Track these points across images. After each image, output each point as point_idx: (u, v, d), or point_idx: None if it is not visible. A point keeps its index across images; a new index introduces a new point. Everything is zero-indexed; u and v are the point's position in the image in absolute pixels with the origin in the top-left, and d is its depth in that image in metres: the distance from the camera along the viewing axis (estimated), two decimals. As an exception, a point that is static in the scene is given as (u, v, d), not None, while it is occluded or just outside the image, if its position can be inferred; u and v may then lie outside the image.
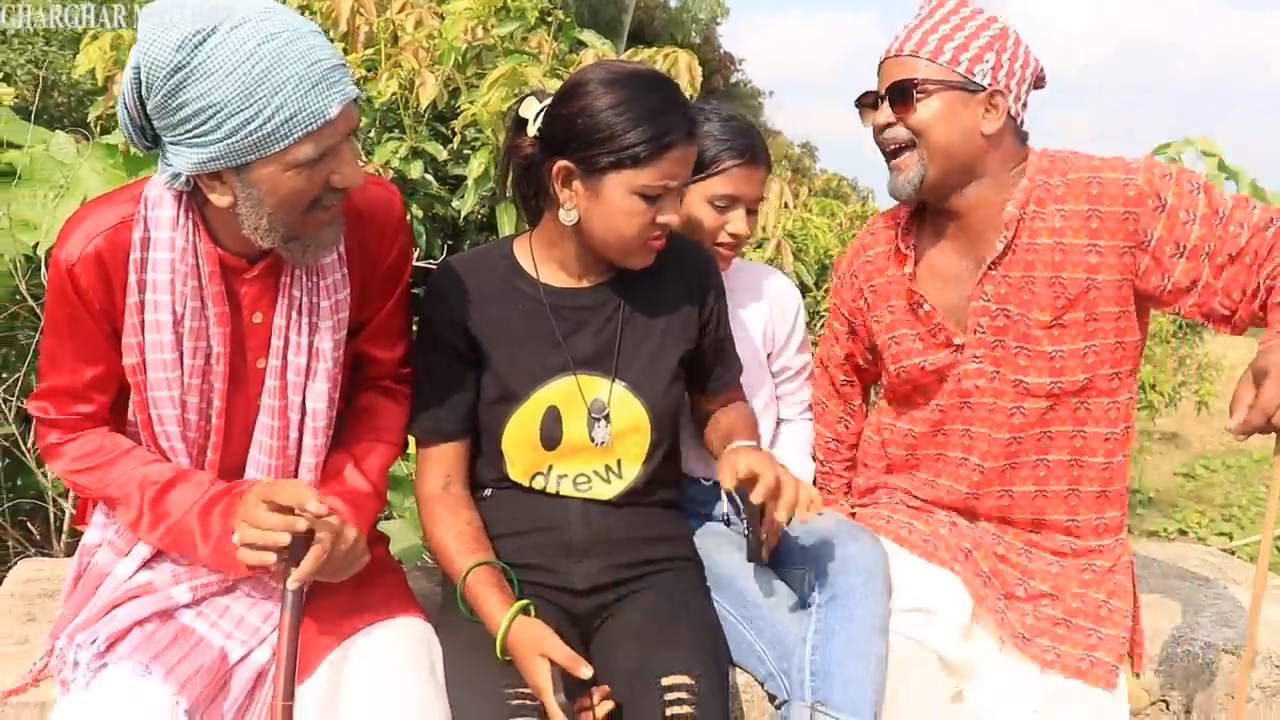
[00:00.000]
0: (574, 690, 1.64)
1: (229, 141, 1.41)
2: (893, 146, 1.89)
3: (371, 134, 3.72)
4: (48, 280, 1.62)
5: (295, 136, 1.43)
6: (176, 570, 1.68)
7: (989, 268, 1.90)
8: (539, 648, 1.63)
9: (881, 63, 1.91)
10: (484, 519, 1.88)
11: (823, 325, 2.43)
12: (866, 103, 1.95)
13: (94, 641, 1.57)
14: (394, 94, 3.52)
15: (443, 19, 3.85)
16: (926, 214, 2.01)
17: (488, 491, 1.91)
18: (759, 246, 4.28)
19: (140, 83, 1.42)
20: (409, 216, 3.67)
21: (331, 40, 3.83)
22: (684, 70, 4.08)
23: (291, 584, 1.48)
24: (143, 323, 1.59)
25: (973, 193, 1.89)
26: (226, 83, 1.38)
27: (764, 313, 2.24)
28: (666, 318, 1.89)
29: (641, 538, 1.89)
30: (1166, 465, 13.80)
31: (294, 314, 1.66)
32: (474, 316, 1.84)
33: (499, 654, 1.67)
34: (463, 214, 3.63)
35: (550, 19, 3.91)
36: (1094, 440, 1.94)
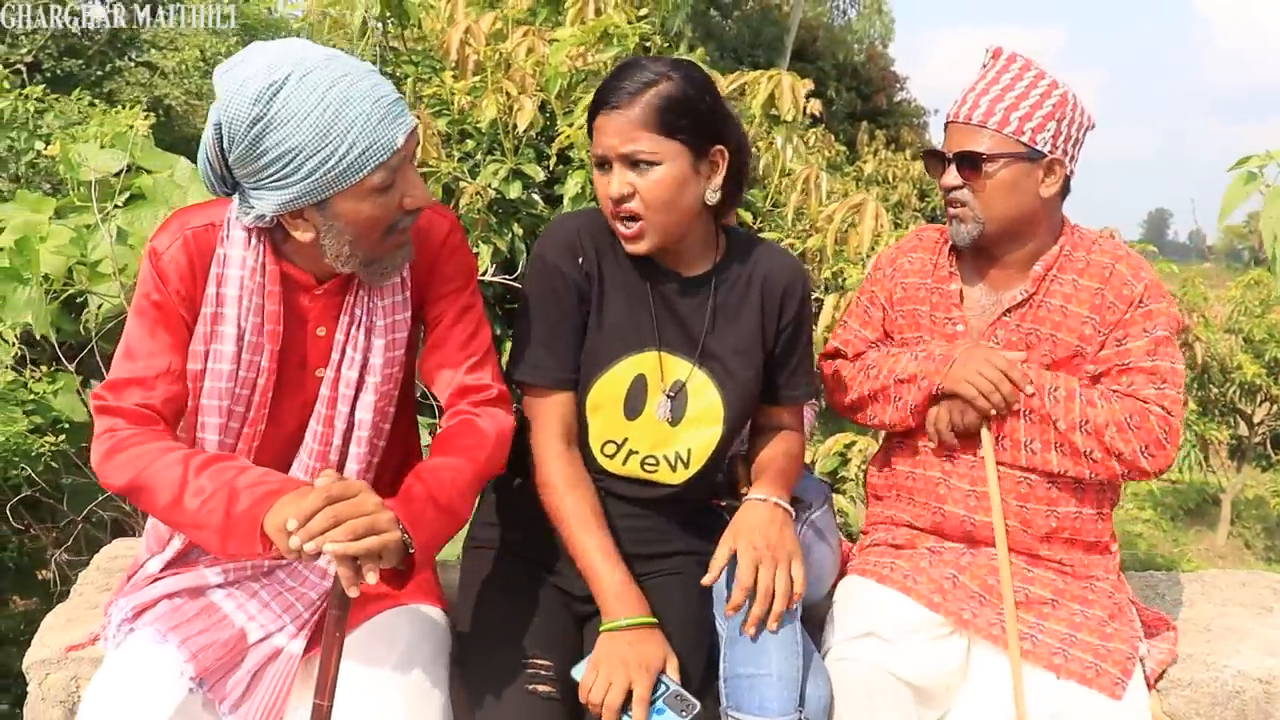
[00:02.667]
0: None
1: (309, 180, 1.54)
2: (958, 205, 2.03)
3: (478, 156, 3.94)
4: (139, 272, 1.75)
5: (369, 167, 1.55)
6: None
7: (1005, 313, 2.06)
8: (657, 664, 1.72)
9: (948, 124, 2.05)
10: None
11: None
12: (933, 159, 2.08)
13: (125, 609, 1.76)
14: (494, 119, 3.72)
15: (554, 43, 4.03)
16: (967, 250, 2.14)
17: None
18: (859, 264, 4.31)
19: (222, 138, 1.54)
20: (510, 235, 3.87)
21: (441, 68, 4.09)
22: (787, 91, 4.17)
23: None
24: (211, 333, 1.71)
25: (1016, 246, 2.06)
26: (303, 127, 1.51)
27: None
28: (755, 317, 1.95)
29: (649, 554, 1.96)
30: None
31: (352, 329, 1.78)
32: (594, 265, 1.90)
33: (605, 627, 1.76)
34: (560, 231, 3.79)
35: (649, 44, 4.04)
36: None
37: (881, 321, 2.22)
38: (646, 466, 1.93)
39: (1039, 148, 1.96)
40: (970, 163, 1.98)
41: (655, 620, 1.78)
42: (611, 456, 1.93)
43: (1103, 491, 2.06)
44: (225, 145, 1.55)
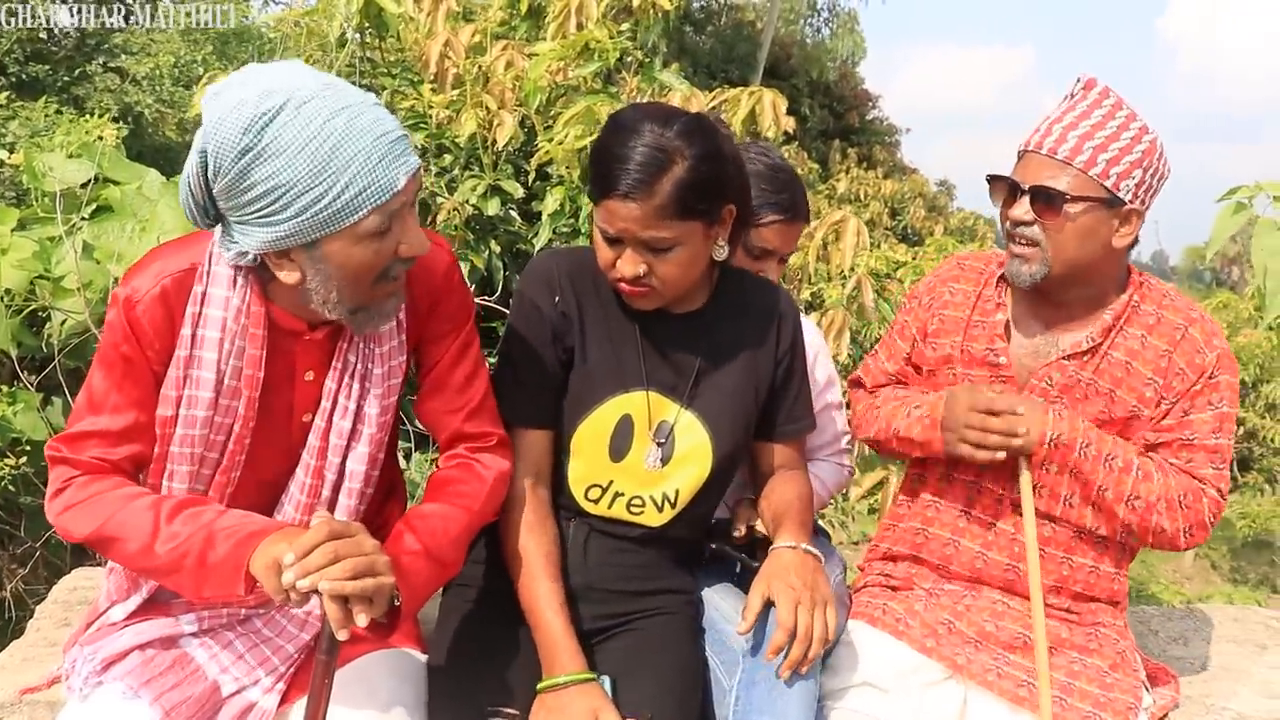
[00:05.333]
0: None
1: (298, 220, 1.41)
2: (1026, 243, 1.87)
3: (455, 172, 3.87)
4: (107, 319, 1.60)
5: (365, 210, 1.42)
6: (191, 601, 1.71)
7: (1065, 357, 1.93)
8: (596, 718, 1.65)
9: (1025, 152, 1.88)
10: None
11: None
12: (1002, 186, 1.91)
13: (93, 659, 1.64)
14: (473, 134, 3.64)
15: (533, 57, 3.96)
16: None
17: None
18: (839, 283, 4.27)
19: (208, 165, 1.40)
20: (488, 252, 3.79)
21: (420, 81, 4.01)
22: (768, 108, 4.12)
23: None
24: (185, 377, 1.58)
25: (1079, 291, 1.92)
26: (296, 161, 1.37)
27: None
28: (747, 356, 1.90)
29: (636, 591, 1.90)
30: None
31: (346, 377, 1.66)
32: (574, 308, 1.84)
33: (544, 685, 1.69)
34: (538, 249, 3.72)
35: (629, 59, 3.98)
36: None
37: (908, 355, 2.11)
38: (632, 508, 1.87)
39: (1121, 195, 1.80)
40: (1048, 199, 1.81)
41: (594, 676, 1.71)
42: (596, 501, 1.87)
43: (1124, 550, 1.98)
44: (210, 175, 1.41)
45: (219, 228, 1.53)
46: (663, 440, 1.85)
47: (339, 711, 1.62)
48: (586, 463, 1.85)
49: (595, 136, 1.75)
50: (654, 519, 1.87)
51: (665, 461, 1.85)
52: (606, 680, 1.72)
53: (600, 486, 1.86)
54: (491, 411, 1.79)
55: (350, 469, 1.70)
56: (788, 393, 1.95)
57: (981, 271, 2.06)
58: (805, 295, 4.39)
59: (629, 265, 1.72)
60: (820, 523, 2.43)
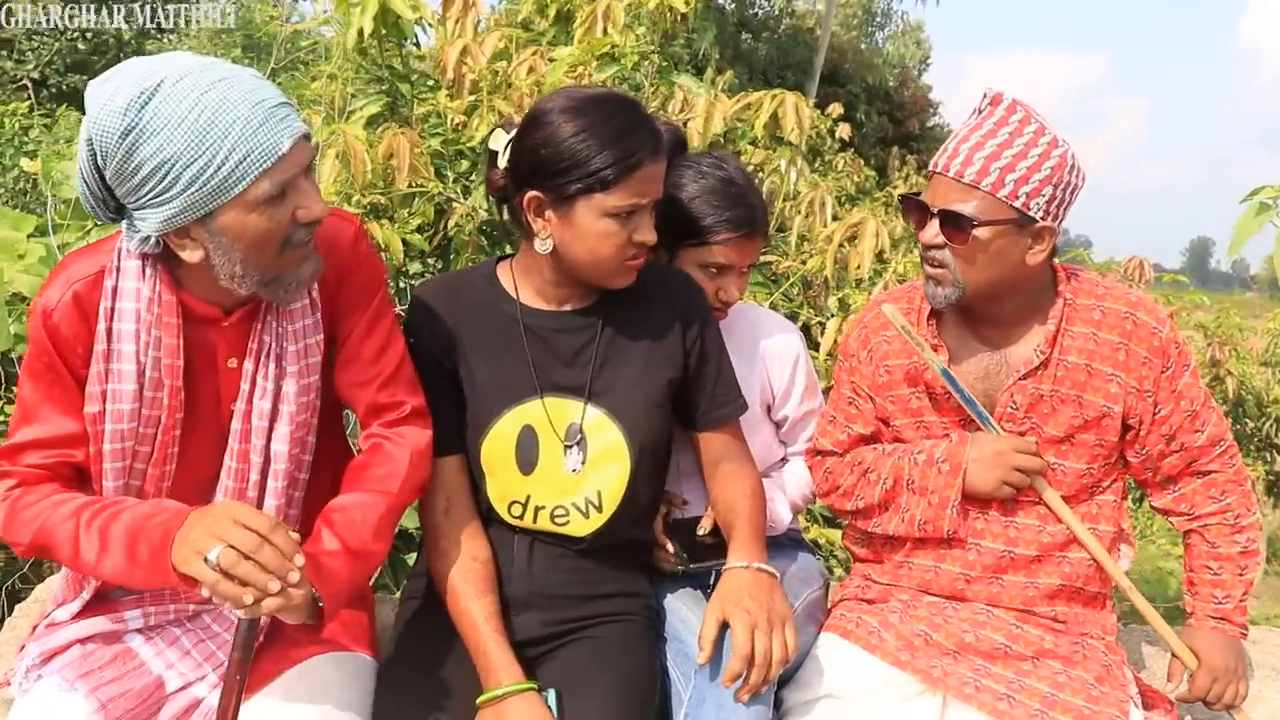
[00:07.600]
0: None
1: (189, 193, 1.43)
2: (936, 265, 1.85)
3: (473, 177, 3.86)
4: (29, 331, 1.64)
5: (252, 176, 1.44)
6: (139, 595, 1.73)
7: (1022, 377, 1.89)
8: None
9: (934, 174, 1.86)
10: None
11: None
12: (913, 208, 1.88)
13: (34, 655, 1.67)
14: (485, 138, 3.62)
15: (553, 62, 3.94)
16: (948, 309, 1.95)
17: None
18: (864, 289, 4.18)
19: (95, 153, 1.44)
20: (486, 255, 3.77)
21: (438, 87, 4.01)
22: (790, 110, 4.05)
23: (243, 615, 1.45)
24: (107, 371, 1.60)
25: (1007, 304, 1.90)
26: (177, 135, 1.40)
27: (759, 364, 2.15)
28: (649, 344, 1.86)
29: (585, 595, 1.86)
30: None
31: (262, 358, 1.67)
32: (454, 332, 1.85)
33: (484, 698, 1.68)
34: (552, 255, 3.69)
35: (648, 62, 3.94)
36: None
37: (874, 412, 2.05)
38: (556, 519, 1.84)
39: (1031, 214, 1.77)
40: (955, 223, 1.79)
41: (534, 686, 1.69)
42: (519, 517, 1.85)
43: (1115, 540, 1.95)
44: (100, 162, 1.44)
45: (125, 223, 1.53)
46: (575, 442, 1.81)
47: (285, 708, 1.63)
48: (500, 481, 1.83)
49: (573, 133, 1.69)
50: (581, 527, 1.83)
51: (585, 463, 1.82)
52: (551, 694, 1.68)
53: (520, 503, 1.83)
54: (407, 381, 1.78)
55: (275, 450, 1.69)
56: (705, 377, 1.90)
57: (905, 313, 2.00)
58: (832, 302, 4.30)
59: (651, 229, 1.77)
60: (805, 536, 2.37)
